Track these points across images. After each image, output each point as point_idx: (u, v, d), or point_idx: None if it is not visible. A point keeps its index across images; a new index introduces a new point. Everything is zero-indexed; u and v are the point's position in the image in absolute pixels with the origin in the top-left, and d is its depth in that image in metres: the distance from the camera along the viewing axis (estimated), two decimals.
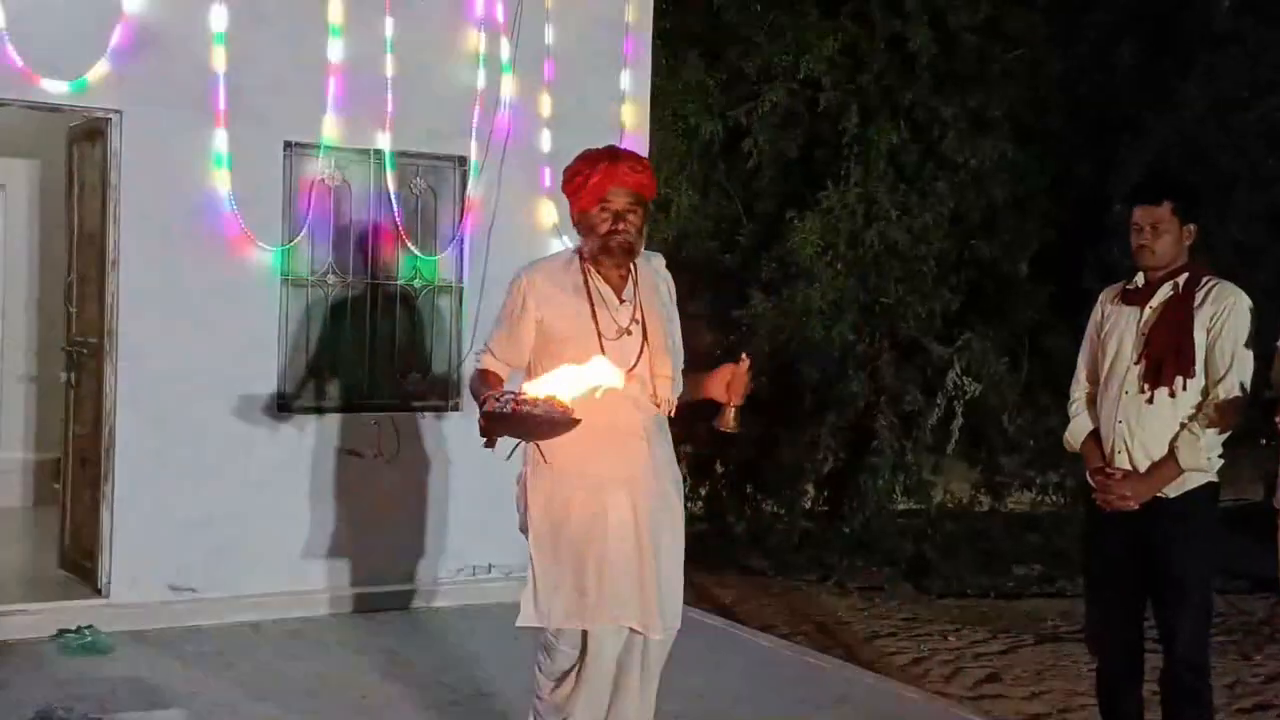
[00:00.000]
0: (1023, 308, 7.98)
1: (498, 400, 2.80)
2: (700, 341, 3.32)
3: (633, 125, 5.85)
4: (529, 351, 3.14)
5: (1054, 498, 8.18)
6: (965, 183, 7.75)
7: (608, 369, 2.88)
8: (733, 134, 7.93)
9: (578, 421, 2.78)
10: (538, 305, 3.10)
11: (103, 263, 5.08)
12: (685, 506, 3.34)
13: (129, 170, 5.01)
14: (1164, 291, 3.56)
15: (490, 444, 2.89)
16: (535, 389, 2.80)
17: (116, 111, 4.99)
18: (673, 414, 3.20)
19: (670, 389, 3.16)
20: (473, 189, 5.57)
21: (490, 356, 3.16)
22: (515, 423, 2.80)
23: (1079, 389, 3.74)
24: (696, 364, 3.26)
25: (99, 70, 4.90)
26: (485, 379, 3.12)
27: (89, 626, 4.82)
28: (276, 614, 5.17)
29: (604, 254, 3.10)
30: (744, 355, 3.15)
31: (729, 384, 3.11)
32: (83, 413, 5.34)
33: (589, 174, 3.08)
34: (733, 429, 3.12)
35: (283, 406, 5.32)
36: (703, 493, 8.37)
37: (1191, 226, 3.57)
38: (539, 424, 2.79)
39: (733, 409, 3.11)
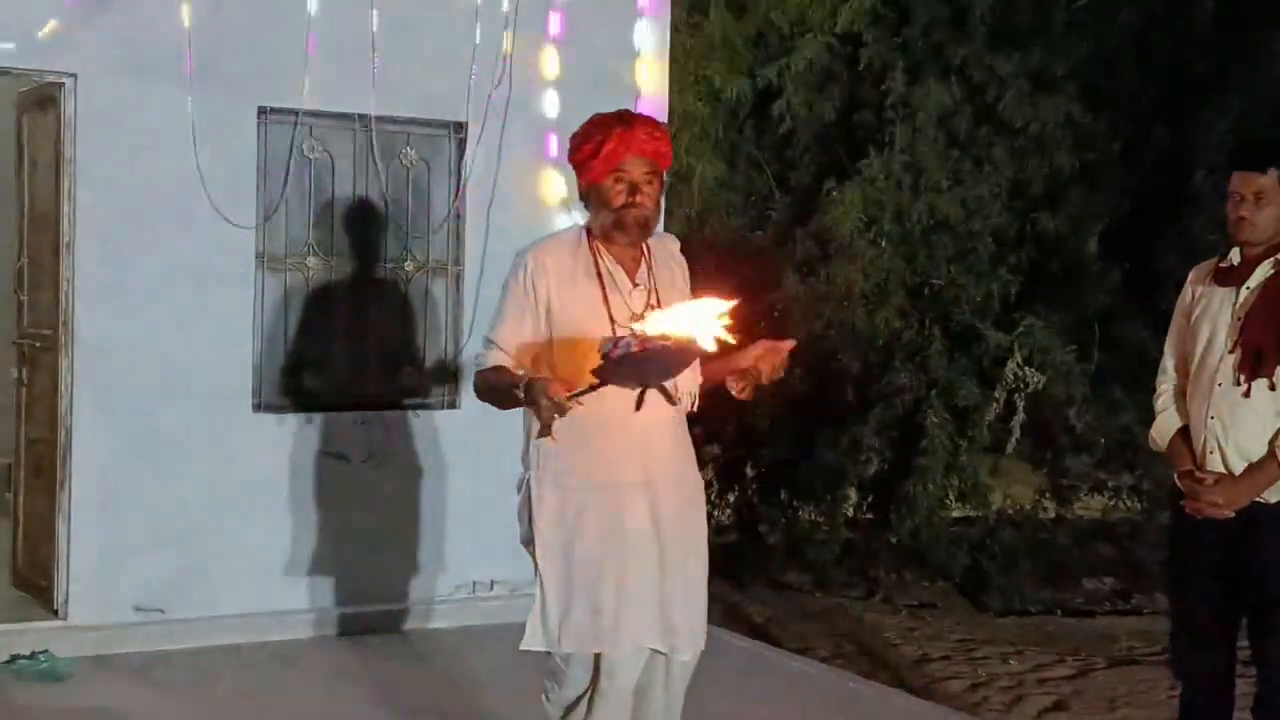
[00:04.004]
0: (1091, 290, 7.91)
1: (616, 344, 2.79)
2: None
3: (650, 87, 5.80)
4: (540, 341, 3.12)
5: (1128, 503, 8.12)
6: (1025, 149, 7.68)
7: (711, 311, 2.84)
8: (762, 96, 7.88)
9: (703, 351, 2.80)
10: (545, 289, 3.09)
11: (57, 245, 5.06)
12: (711, 514, 3.33)
13: (85, 141, 4.99)
14: (1263, 270, 3.50)
15: (546, 431, 2.90)
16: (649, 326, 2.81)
17: (70, 75, 4.97)
18: (694, 408, 3.18)
19: (691, 380, 3.14)
20: (470, 159, 5.54)
21: (499, 351, 3.13)
22: (643, 362, 2.79)
23: (1166, 380, 3.68)
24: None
25: (51, 29, 4.87)
26: (497, 371, 3.08)
27: (44, 651, 4.81)
28: (255, 637, 5.17)
29: (618, 230, 3.09)
30: (785, 342, 3.14)
31: (761, 356, 3.09)
32: (36, 413, 5.34)
33: (601, 141, 3.06)
34: (744, 395, 3.12)
35: (259, 404, 5.30)
36: (731, 499, 8.34)
37: None
38: (671, 357, 2.81)
39: (754, 374, 3.08)
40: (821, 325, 7.55)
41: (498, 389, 3.07)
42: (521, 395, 2.95)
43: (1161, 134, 8.10)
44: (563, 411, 2.86)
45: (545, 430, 2.91)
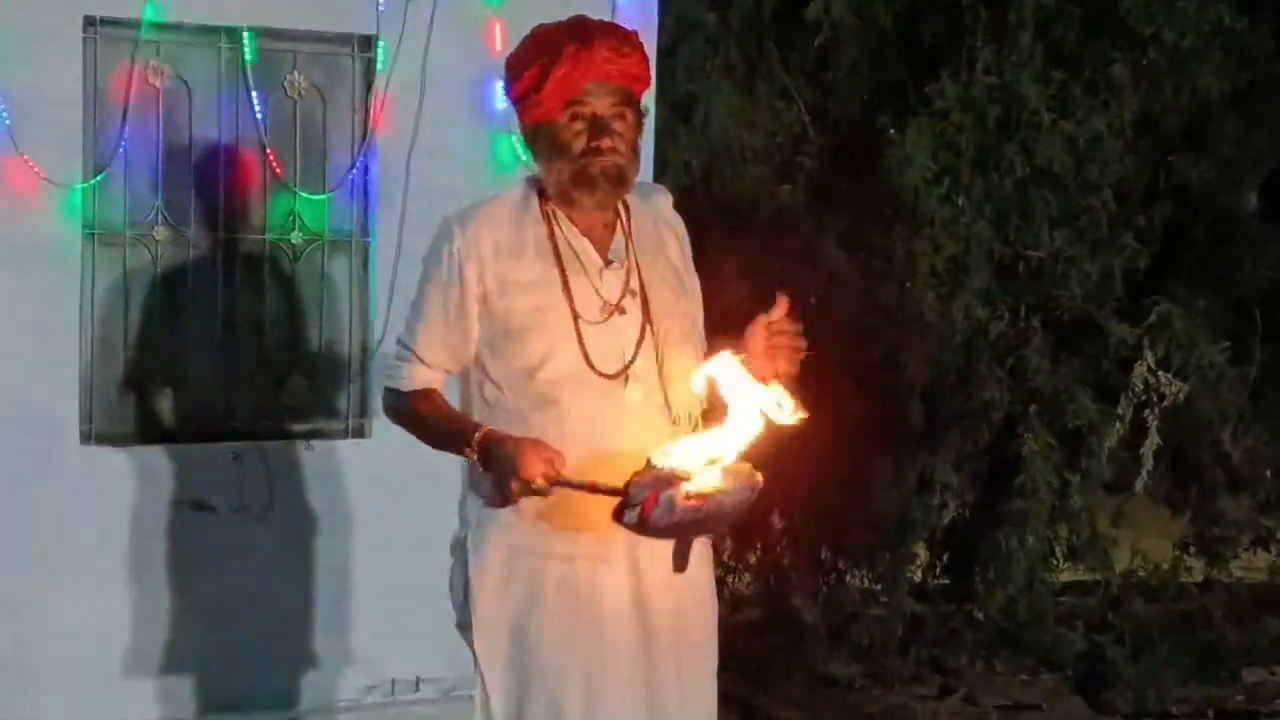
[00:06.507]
0: (1250, 263, 7.94)
1: (655, 495, 2.88)
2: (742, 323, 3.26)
3: None
4: (472, 346, 3.16)
5: None
6: (1158, 68, 7.71)
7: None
8: None
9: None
10: (479, 276, 3.13)
11: None
12: (725, 582, 3.35)
13: None
14: None
15: (506, 501, 3.02)
16: (684, 456, 2.94)
17: None
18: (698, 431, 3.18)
19: (691, 401, 3.17)
20: (382, 88, 5.55)
21: (419, 365, 3.20)
22: (692, 527, 2.99)
23: None
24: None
25: None
26: (432, 404, 3.19)
27: None
28: None
29: (580, 186, 3.13)
30: (778, 297, 3.15)
31: (766, 348, 3.10)
32: None
33: (548, 64, 3.09)
34: (789, 420, 3.10)
35: (89, 434, 5.33)
36: (752, 560, 8.34)
37: None
38: (728, 516, 3.01)
39: (782, 385, 3.09)
40: (877, 316, 7.56)
41: (434, 432, 3.17)
42: (475, 457, 3.03)
43: None
44: (541, 494, 2.95)
45: (506, 500, 2.99)
